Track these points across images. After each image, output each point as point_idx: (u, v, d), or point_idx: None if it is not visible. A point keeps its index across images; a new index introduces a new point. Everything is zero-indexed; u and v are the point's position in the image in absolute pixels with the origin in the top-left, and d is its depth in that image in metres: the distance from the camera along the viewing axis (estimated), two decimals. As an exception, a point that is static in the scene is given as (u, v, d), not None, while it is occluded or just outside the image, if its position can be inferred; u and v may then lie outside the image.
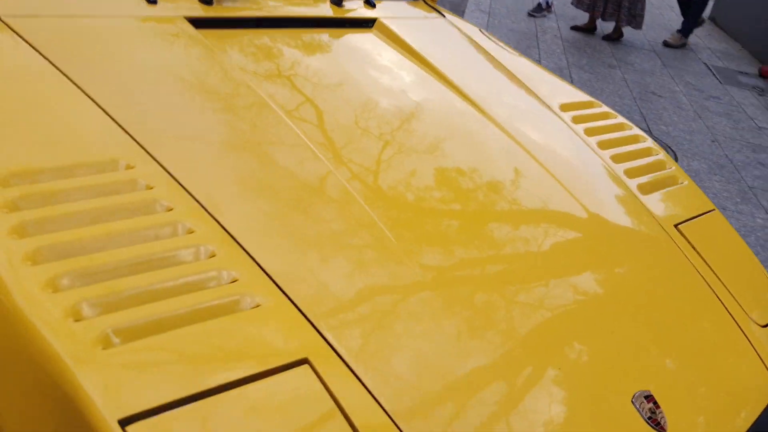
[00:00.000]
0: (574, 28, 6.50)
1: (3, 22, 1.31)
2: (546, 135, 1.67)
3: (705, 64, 6.33)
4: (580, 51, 5.82)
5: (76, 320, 0.86)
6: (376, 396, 0.94)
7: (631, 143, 1.82)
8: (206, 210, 1.09)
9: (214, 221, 1.08)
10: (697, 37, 7.10)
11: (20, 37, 1.29)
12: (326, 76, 1.55)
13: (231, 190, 1.15)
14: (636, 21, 6.11)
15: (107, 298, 0.90)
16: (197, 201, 1.10)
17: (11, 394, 0.84)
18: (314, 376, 0.92)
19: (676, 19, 7.52)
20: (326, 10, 1.80)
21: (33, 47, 1.28)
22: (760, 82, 6.10)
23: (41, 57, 1.26)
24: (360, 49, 1.72)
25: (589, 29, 6.46)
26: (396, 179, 1.32)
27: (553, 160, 1.57)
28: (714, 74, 6.06)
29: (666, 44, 6.67)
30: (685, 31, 6.70)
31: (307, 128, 1.35)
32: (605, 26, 6.53)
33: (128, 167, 1.10)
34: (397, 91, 1.60)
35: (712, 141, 4.52)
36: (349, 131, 1.40)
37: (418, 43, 1.82)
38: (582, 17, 6.71)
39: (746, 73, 6.31)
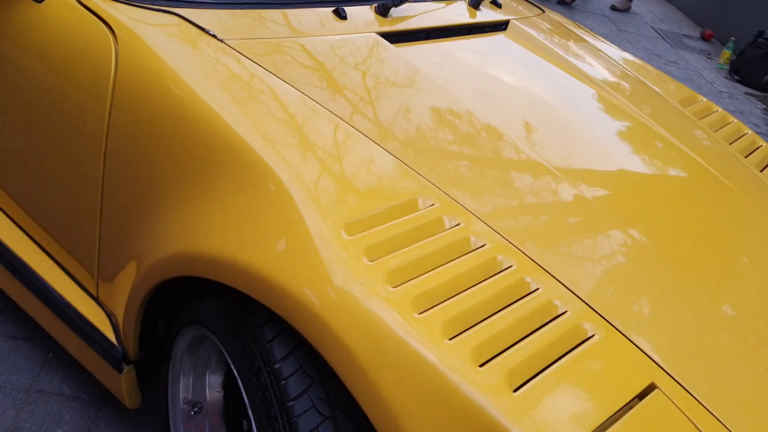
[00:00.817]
0: (529, -7, 6.62)
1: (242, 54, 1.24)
2: (704, 145, 1.74)
3: (652, 27, 6.62)
4: (544, 17, 5.94)
5: (479, 365, 0.91)
6: (724, 422, 1.01)
7: (755, 145, 1.92)
8: (512, 244, 1.11)
9: (523, 254, 1.10)
10: (636, -1, 7.39)
11: (255, 62, 1.23)
12: (534, 92, 1.57)
13: (525, 220, 1.17)
14: None
15: (487, 342, 0.95)
16: (502, 236, 1.12)
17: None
18: (667, 400, 0.99)
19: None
20: (465, 15, 1.78)
21: (271, 71, 1.23)
22: (704, 45, 6.46)
23: (284, 82, 1.22)
24: (525, 55, 1.74)
25: (543, -6, 6.60)
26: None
27: (725, 170, 1.64)
28: (663, 38, 6.36)
29: (614, 8, 6.90)
30: (630, -6, 6.96)
31: (546, 153, 1.37)
32: (558, -9, 6.67)
33: (431, 205, 1.10)
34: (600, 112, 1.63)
35: (688, 107, 4.77)
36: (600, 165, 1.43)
37: (555, 45, 1.85)
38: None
39: (690, 36, 6.66)
